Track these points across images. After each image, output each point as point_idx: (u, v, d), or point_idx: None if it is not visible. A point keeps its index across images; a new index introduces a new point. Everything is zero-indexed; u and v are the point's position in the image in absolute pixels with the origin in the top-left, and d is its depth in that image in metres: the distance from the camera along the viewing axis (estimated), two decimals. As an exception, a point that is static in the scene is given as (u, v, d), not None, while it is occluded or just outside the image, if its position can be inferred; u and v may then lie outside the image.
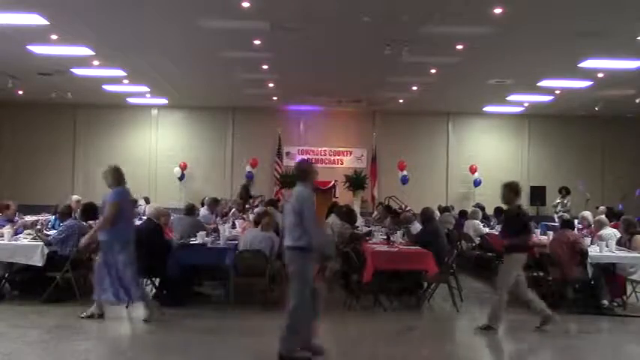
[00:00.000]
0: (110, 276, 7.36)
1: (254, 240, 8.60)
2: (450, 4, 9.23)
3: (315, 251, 6.07)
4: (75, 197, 11.98)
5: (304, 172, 6.35)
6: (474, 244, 12.02)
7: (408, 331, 7.52)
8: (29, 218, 11.16)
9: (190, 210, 10.16)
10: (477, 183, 18.69)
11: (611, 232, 9.37)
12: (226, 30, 10.74)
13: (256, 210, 11.49)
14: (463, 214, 13.61)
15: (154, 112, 19.55)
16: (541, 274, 8.92)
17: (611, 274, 8.69)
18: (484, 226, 12.49)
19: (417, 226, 10.45)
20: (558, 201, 16.82)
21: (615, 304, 8.71)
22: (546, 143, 19.76)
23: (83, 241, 7.72)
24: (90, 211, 9.21)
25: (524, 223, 7.56)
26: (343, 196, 17.91)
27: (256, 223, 9.09)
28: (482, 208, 13.90)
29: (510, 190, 7.63)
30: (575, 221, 10.50)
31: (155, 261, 8.28)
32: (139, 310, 8.19)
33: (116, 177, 7.59)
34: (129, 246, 7.51)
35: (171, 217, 9.90)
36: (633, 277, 8.80)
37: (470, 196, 18.80)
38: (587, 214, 11.07)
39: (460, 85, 15.15)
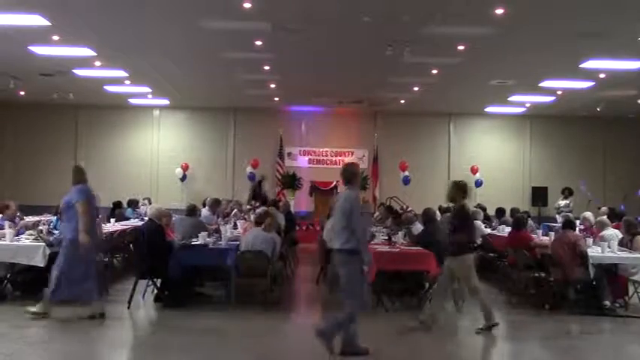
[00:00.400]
0: (79, 275, 7.39)
1: (255, 240, 8.59)
2: (452, 5, 9.23)
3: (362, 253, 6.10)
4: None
5: (354, 174, 6.36)
6: (475, 245, 11.97)
7: (410, 332, 7.51)
8: (31, 219, 11.16)
9: (192, 211, 10.16)
10: (478, 184, 18.65)
11: (612, 233, 9.34)
12: (228, 31, 10.75)
13: (257, 210, 11.49)
14: (464, 215, 13.56)
15: (156, 112, 19.58)
16: (543, 274, 8.91)
17: (613, 275, 8.67)
18: (485, 227, 12.46)
19: (418, 227, 10.43)
20: (561, 202, 16.74)
21: (617, 304, 8.69)
22: (548, 144, 19.76)
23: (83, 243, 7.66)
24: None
25: (467, 223, 7.57)
26: (344, 196, 17.86)
27: (257, 223, 9.09)
28: (484, 209, 13.86)
29: (458, 188, 7.68)
30: (577, 222, 10.47)
31: (157, 262, 8.27)
32: (140, 311, 8.21)
33: (77, 175, 7.67)
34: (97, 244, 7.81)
35: (173, 218, 9.90)
36: (635, 277, 8.77)
37: (471, 196, 18.72)
38: (588, 214, 11.04)
39: (462, 85, 15.14)
